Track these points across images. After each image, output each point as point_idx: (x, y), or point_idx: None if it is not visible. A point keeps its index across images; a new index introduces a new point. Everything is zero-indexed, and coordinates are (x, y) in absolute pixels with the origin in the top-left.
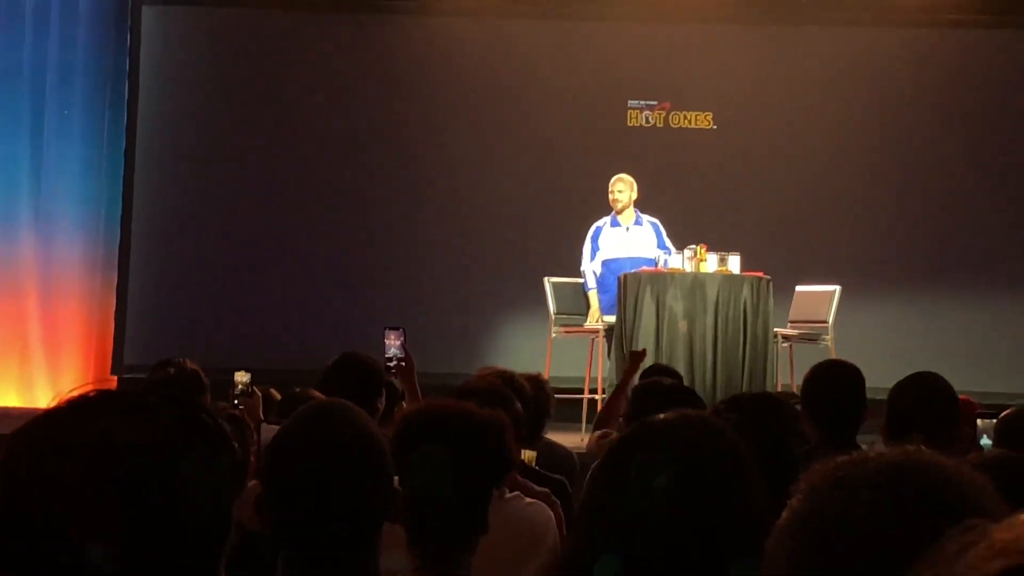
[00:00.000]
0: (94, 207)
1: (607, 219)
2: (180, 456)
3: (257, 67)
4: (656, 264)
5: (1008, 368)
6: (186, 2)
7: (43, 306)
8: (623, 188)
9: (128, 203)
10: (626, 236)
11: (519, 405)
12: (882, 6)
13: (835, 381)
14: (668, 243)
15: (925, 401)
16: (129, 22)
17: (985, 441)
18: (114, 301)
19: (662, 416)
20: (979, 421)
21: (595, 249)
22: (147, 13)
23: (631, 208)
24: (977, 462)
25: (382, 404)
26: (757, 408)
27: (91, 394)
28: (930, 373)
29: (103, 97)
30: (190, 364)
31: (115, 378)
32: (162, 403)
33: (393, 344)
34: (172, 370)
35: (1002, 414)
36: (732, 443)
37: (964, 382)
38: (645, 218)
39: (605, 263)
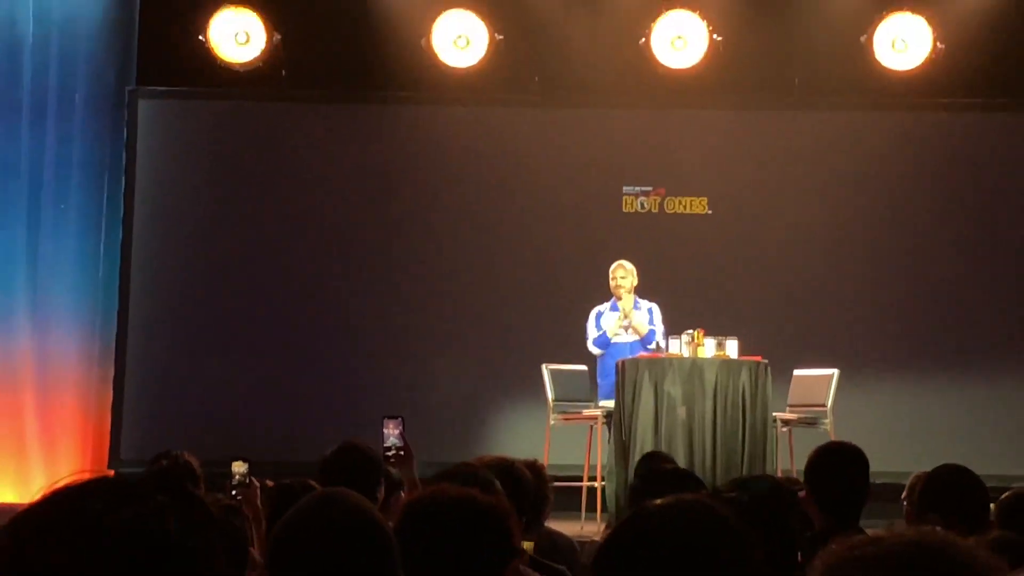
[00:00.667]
0: (90, 300)
1: (607, 304)
2: (174, 537)
3: (252, 157)
4: (655, 337)
5: (1005, 451)
6: (181, 95)
7: (39, 400)
8: (625, 275)
9: (124, 295)
10: (626, 321)
11: (498, 485)
12: (872, 90)
13: (840, 464)
14: (658, 326)
15: (958, 491)
16: (125, 115)
17: None
18: (111, 394)
19: (659, 501)
20: None
21: (599, 330)
22: (143, 105)
23: (631, 294)
24: (991, 544)
25: (382, 494)
26: (758, 491)
27: (86, 480)
28: (962, 467)
29: (99, 190)
30: (185, 456)
31: (112, 472)
32: (155, 487)
33: (392, 433)
34: (165, 462)
35: (1001, 497)
36: (733, 526)
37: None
38: (644, 303)
39: (604, 347)
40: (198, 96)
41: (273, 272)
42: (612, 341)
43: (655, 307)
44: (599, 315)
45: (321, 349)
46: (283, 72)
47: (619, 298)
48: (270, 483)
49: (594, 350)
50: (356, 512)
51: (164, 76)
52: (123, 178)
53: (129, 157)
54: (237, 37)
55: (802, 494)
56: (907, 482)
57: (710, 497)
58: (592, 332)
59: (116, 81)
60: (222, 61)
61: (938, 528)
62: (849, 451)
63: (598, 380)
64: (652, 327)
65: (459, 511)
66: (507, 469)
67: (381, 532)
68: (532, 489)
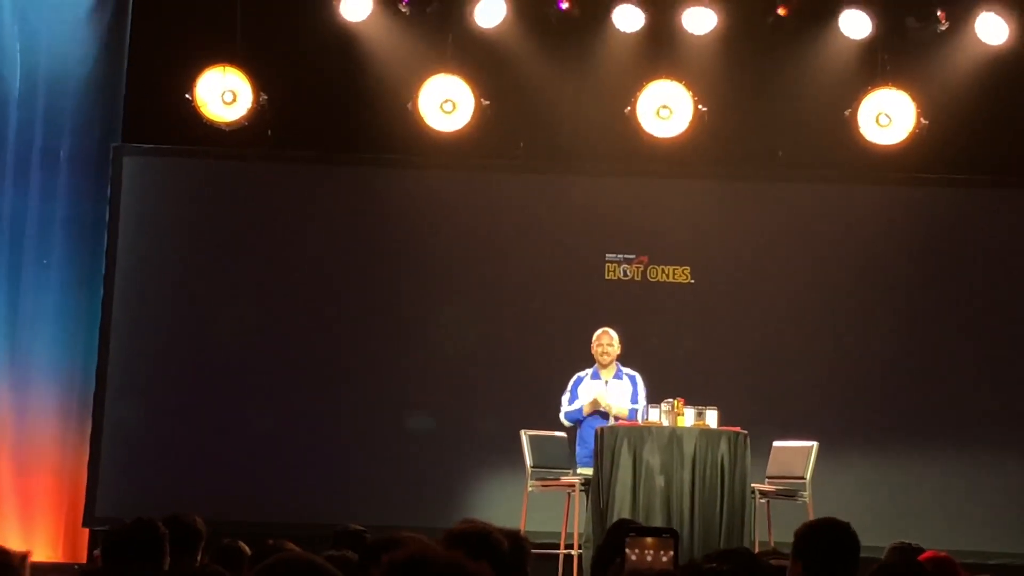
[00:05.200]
0: (69, 356)
1: (589, 371)
2: None
3: (236, 216)
4: (636, 416)
5: (984, 526)
6: (166, 152)
7: (16, 456)
8: (611, 342)
9: (104, 352)
10: (604, 390)
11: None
12: (856, 164)
13: (835, 542)
14: (641, 398)
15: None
16: (110, 171)
17: None
18: (88, 451)
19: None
20: None
21: (573, 398)
22: (128, 162)
23: (615, 363)
24: None
25: None
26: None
27: None
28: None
29: (82, 246)
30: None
31: (87, 530)
32: None
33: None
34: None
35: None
36: None
37: (941, 541)
38: (625, 371)
39: (584, 416)
40: (183, 154)
41: (254, 331)
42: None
43: (638, 376)
44: (578, 381)
45: (301, 410)
46: (269, 132)
47: (603, 366)
48: (245, 547)
49: (564, 422)
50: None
51: (150, 133)
52: (106, 235)
53: (112, 214)
54: (224, 96)
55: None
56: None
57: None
58: (566, 403)
59: (101, 138)
60: (208, 120)
61: None
62: (843, 530)
63: (577, 447)
64: (634, 406)
65: (445, 573)
66: (483, 537)
67: None
68: (509, 561)
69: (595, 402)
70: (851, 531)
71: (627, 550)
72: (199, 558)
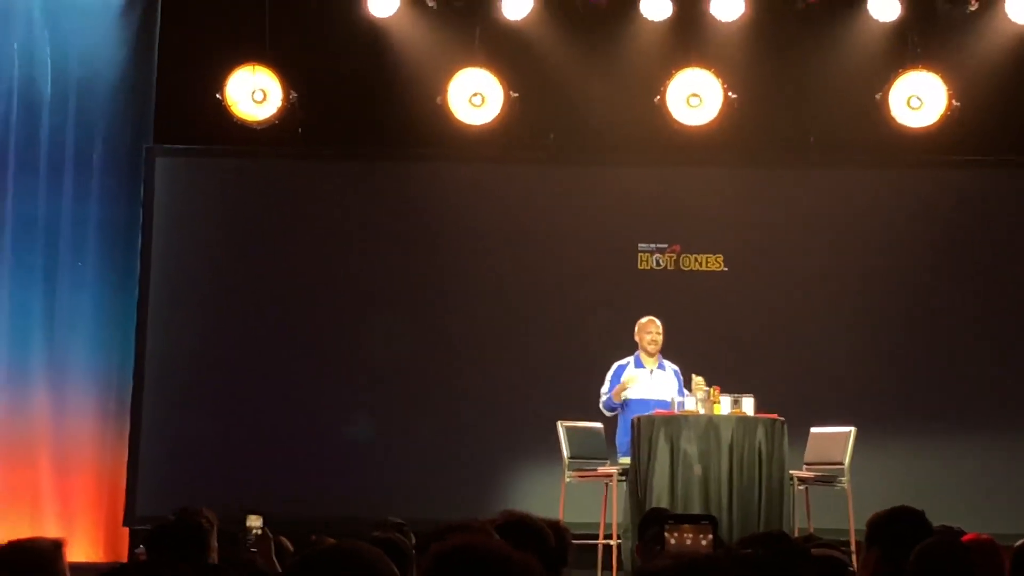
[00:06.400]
0: (106, 357)
1: (631, 359)
2: None
3: (268, 215)
4: (670, 407)
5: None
6: (198, 153)
7: (55, 456)
8: (659, 331)
9: (140, 352)
10: (649, 379)
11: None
12: (887, 147)
13: (913, 528)
14: (686, 391)
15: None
16: (142, 173)
17: None
18: (126, 451)
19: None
20: None
21: (613, 386)
22: (160, 164)
23: (658, 352)
24: None
25: None
26: (773, 546)
27: None
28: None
29: (116, 247)
30: (203, 512)
31: (127, 529)
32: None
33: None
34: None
35: (1017, 543)
36: None
37: (982, 525)
38: (668, 364)
39: (627, 403)
40: (215, 154)
41: (289, 329)
42: (634, 399)
43: (679, 369)
44: (620, 370)
45: (337, 406)
46: (299, 130)
47: (650, 354)
48: (287, 543)
49: (604, 411)
50: (368, 566)
51: (181, 134)
52: (139, 236)
53: (146, 215)
54: (254, 95)
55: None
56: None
57: (718, 557)
58: (604, 393)
59: (133, 140)
60: (239, 119)
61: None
62: (919, 516)
63: (618, 437)
64: (681, 398)
65: (492, 564)
66: (527, 526)
67: None
68: (553, 551)
69: (623, 385)
70: (926, 518)
71: (666, 534)
72: (213, 547)
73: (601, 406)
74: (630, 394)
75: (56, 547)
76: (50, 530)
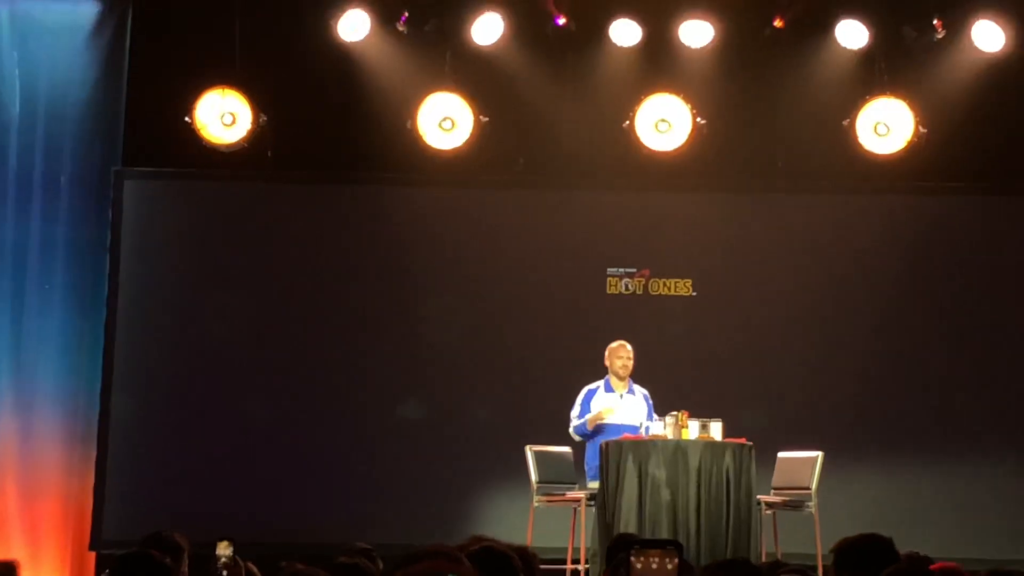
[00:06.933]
0: (73, 380)
1: (600, 383)
2: None
3: (237, 238)
4: (639, 432)
5: (989, 534)
6: (167, 176)
7: (22, 480)
8: (630, 355)
9: (108, 375)
10: (619, 403)
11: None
12: (855, 173)
13: (878, 555)
14: (655, 416)
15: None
16: (111, 195)
17: None
18: (93, 475)
19: None
20: None
21: (584, 412)
22: (129, 187)
23: (628, 377)
24: None
25: None
26: (735, 572)
27: None
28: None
29: (84, 270)
30: (175, 536)
31: (94, 554)
32: None
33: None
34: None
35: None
36: None
37: (948, 550)
38: (638, 388)
39: (596, 427)
40: (184, 177)
41: (258, 352)
42: (602, 423)
43: (648, 394)
44: (589, 394)
45: (307, 430)
46: (269, 153)
47: (621, 378)
48: (254, 569)
49: (574, 436)
50: None
51: (150, 157)
52: (107, 259)
53: (114, 238)
54: (223, 118)
55: None
56: None
57: None
58: (575, 418)
59: (102, 162)
60: (208, 142)
61: None
62: (886, 543)
63: (586, 462)
64: (649, 423)
65: None
66: (493, 553)
67: None
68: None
69: (600, 415)
70: (893, 545)
71: (632, 559)
72: (184, 573)
73: (572, 431)
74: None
75: (9, 570)
76: (16, 554)
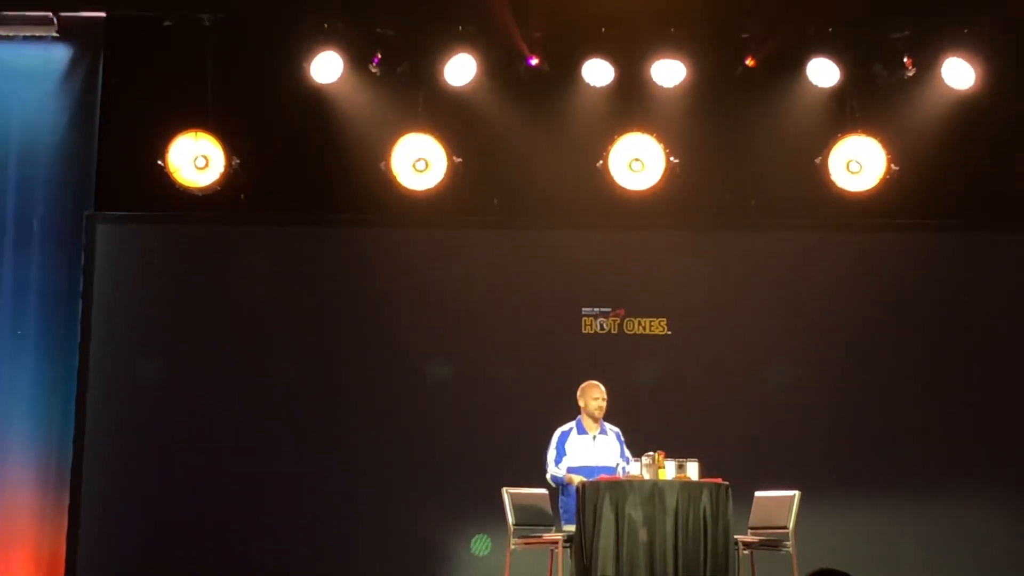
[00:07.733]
0: (46, 427)
1: (572, 425)
2: None
3: (211, 281)
4: (615, 472)
5: (966, 574)
6: (139, 219)
7: None
8: (604, 396)
9: (80, 422)
10: (592, 444)
11: None
12: (828, 211)
13: None
14: (628, 453)
15: None
16: (83, 239)
17: None
18: (66, 522)
19: None
20: None
21: (560, 455)
22: (101, 230)
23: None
24: None
25: None
26: None
27: None
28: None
29: (57, 315)
30: None
31: None
32: None
33: None
34: None
35: None
36: None
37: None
38: (609, 427)
39: (569, 471)
40: (157, 220)
41: (232, 396)
42: (577, 466)
43: (619, 431)
44: (563, 436)
45: (280, 476)
46: (242, 196)
47: (595, 420)
48: None
49: (550, 482)
50: None
51: (123, 201)
52: (80, 304)
53: (87, 282)
54: (196, 161)
55: None
56: None
57: None
58: (552, 461)
59: (74, 206)
60: (181, 185)
61: None
62: None
63: (562, 504)
64: (622, 463)
65: None
66: None
67: None
68: None
69: (570, 480)
70: None
71: None
72: None
73: (548, 477)
74: (573, 461)
75: None
76: None
